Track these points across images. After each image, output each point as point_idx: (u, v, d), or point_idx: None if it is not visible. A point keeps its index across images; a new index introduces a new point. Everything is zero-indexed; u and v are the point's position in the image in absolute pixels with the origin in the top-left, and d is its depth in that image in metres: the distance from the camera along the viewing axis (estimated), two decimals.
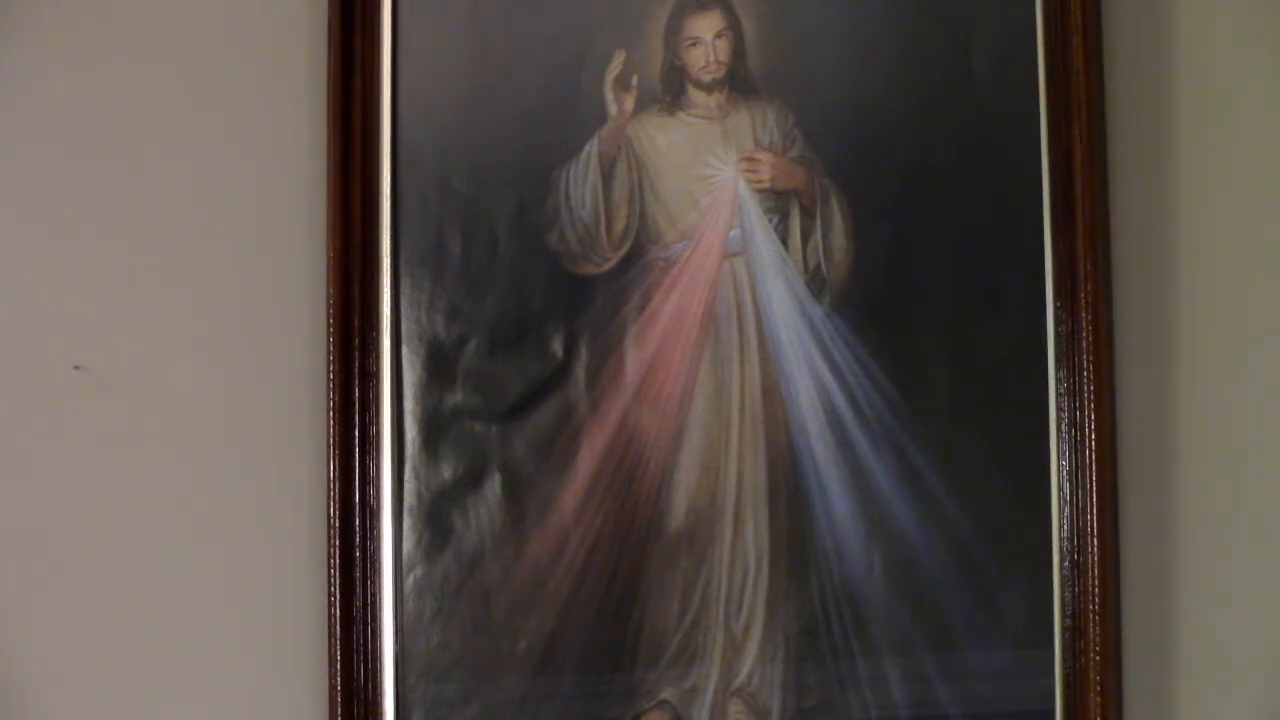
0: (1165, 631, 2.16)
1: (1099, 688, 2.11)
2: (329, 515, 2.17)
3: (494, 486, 2.20)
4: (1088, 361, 2.14)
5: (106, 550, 2.23)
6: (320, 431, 2.18)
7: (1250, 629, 2.16)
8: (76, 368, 2.25)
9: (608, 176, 2.22)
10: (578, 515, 2.19)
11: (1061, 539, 2.14)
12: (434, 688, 2.18)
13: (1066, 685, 2.13)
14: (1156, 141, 2.21)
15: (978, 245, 2.18)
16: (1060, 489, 2.15)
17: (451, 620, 2.18)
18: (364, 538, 2.18)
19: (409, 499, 2.20)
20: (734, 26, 2.23)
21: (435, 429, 2.20)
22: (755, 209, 2.21)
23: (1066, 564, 2.14)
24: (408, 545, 2.19)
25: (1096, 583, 2.12)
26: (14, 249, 2.27)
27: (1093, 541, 2.12)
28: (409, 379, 2.21)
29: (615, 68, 2.23)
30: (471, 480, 2.20)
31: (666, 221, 2.22)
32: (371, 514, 2.19)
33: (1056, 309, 2.16)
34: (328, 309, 2.19)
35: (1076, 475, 2.14)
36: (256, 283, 2.24)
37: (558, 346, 2.21)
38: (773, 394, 2.19)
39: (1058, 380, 2.15)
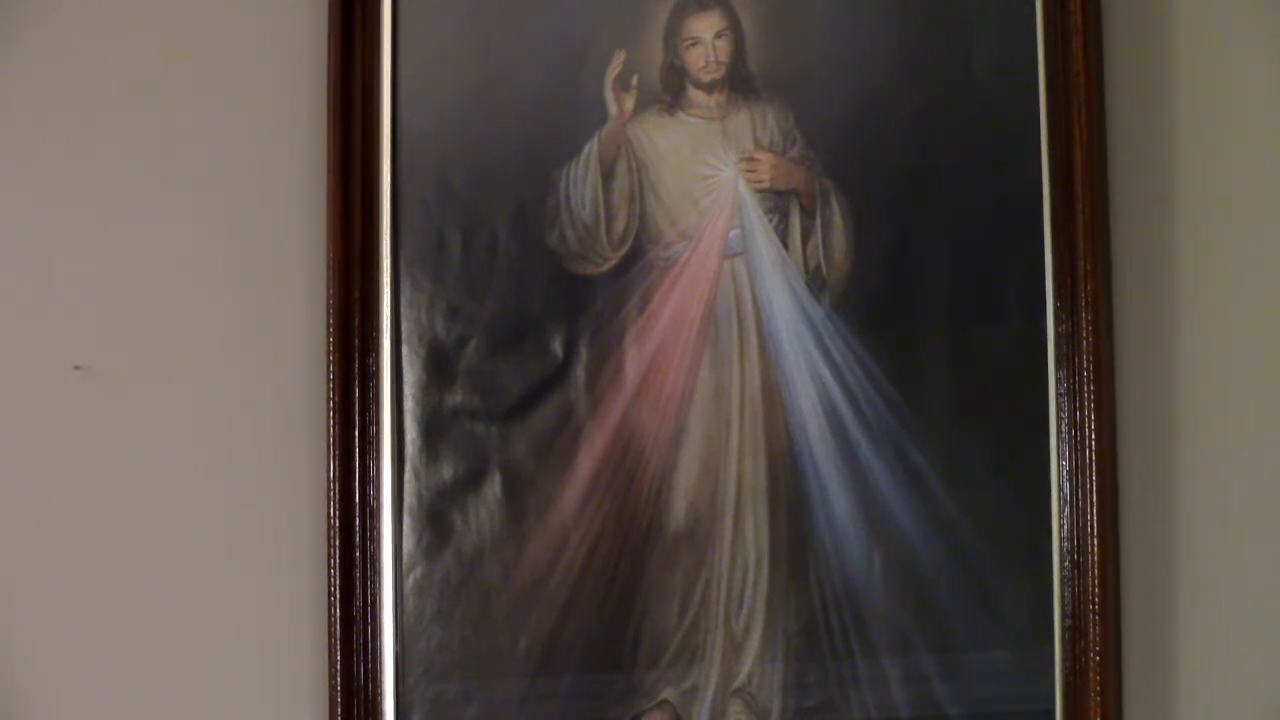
0: (1165, 631, 2.16)
1: (1099, 688, 2.11)
2: (329, 515, 2.17)
3: (494, 486, 2.20)
4: (1088, 361, 2.14)
5: (106, 550, 2.23)
6: (320, 432, 2.18)
7: (1250, 629, 2.16)
8: (76, 368, 2.25)
9: (608, 177, 2.22)
10: (578, 515, 2.19)
11: (1061, 539, 2.14)
12: (434, 688, 2.18)
13: (1066, 685, 2.13)
14: (1156, 141, 2.21)
15: (978, 245, 2.18)
16: (1060, 489, 2.15)
17: (451, 620, 2.18)
18: (364, 538, 2.18)
19: (409, 499, 2.20)
20: (734, 26, 2.23)
21: (435, 429, 2.20)
22: (755, 209, 2.21)
23: (1066, 564, 2.14)
24: (408, 545, 2.19)
25: (1096, 583, 2.12)
26: (14, 249, 2.27)
27: (1093, 541, 2.12)
28: (409, 379, 2.21)
29: (615, 68, 2.22)
30: (471, 480, 2.20)
31: (666, 221, 2.22)
32: (371, 514, 2.19)
33: (1056, 309, 2.16)
34: (328, 310, 2.19)
35: (1076, 475, 2.14)
36: (257, 283, 2.24)
37: (558, 346, 2.20)
38: (773, 394, 2.19)
39: (1058, 380, 2.15)
